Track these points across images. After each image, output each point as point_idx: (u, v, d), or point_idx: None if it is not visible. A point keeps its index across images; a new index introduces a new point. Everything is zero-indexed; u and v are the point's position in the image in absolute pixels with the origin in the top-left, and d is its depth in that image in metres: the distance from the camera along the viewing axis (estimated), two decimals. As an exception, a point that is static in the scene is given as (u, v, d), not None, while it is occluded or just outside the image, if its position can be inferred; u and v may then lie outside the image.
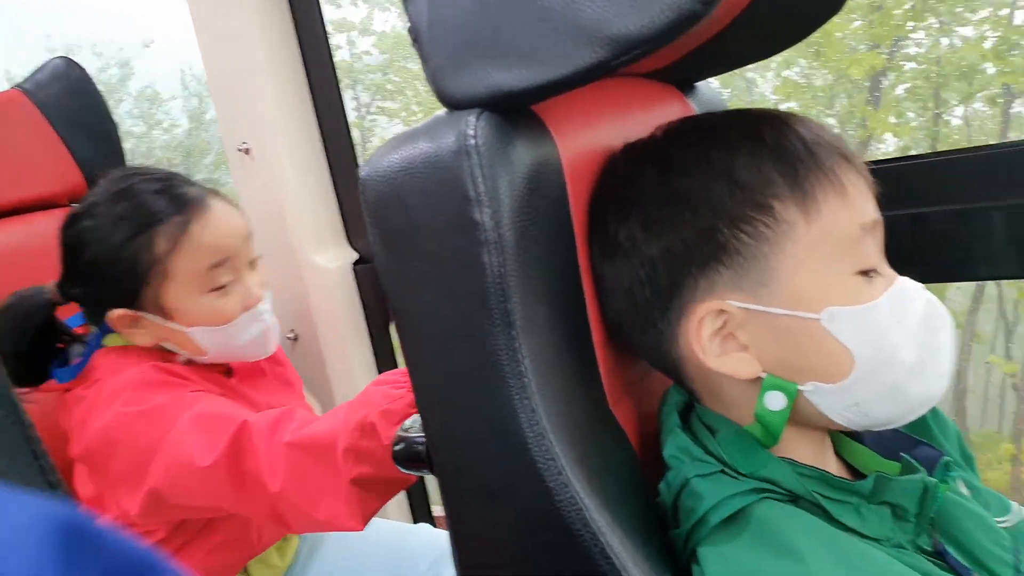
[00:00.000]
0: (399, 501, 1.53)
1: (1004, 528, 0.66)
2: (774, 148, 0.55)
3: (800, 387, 0.55)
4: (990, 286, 4.92)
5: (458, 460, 0.53)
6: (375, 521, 1.30)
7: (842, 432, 0.65)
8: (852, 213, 0.54)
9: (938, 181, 0.96)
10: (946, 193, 0.95)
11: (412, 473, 0.72)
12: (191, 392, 0.92)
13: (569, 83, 0.48)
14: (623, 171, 0.61)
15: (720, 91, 0.91)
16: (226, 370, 1.07)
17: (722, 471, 0.56)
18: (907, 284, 0.56)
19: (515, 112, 0.53)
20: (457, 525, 0.54)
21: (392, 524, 1.29)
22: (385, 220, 0.52)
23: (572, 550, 0.47)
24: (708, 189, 0.55)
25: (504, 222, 0.49)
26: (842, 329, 0.53)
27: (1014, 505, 0.70)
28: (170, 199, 0.95)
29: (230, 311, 0.98)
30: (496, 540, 0.52)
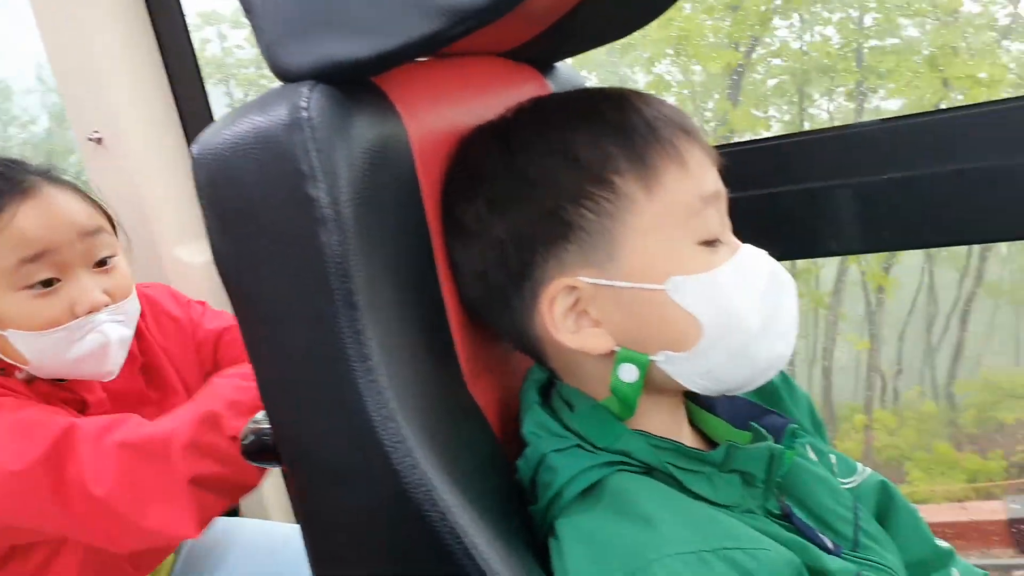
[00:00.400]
0: (283, 500, 1.47)
1: (849, 488, 0.70)
2: (615, 125, 0.55)
3: (652, 357, 0.56)
4: (855, 272, 5.23)
5: (304, 447, 0.51)
6: (254, 523, 1.25)
7: (696, 404, 0.66)
8: (692, 184, 0.55)
9: (788, 163, 1.00)
10: (795, 174, 0.99)
11: (264, 466, 0.68)
12: (13, 399, 0.82)
13: (404, 54, 0.47)
14: (471, 151, 0.60)
15: (587, 77, 0.91)
16: (80, 402, 0.91)
17: (578, 445, 0.57)
18: (750, 251, 0.58)
19: (355, 86, 0.51)
20: (307, 515, 0.52)
21: (272, 526, 1.24)
22: (219, 200, 0.49)
23: (421, 531, 0.46)
24: (548, 168, 0.55)
25: (343, 199, 0.47)
26: (687, 298, 0.54)
27: (859, 466, 0.74)
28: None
29: (52, 315, 0.83)
30: (346, 526, 0.51)
